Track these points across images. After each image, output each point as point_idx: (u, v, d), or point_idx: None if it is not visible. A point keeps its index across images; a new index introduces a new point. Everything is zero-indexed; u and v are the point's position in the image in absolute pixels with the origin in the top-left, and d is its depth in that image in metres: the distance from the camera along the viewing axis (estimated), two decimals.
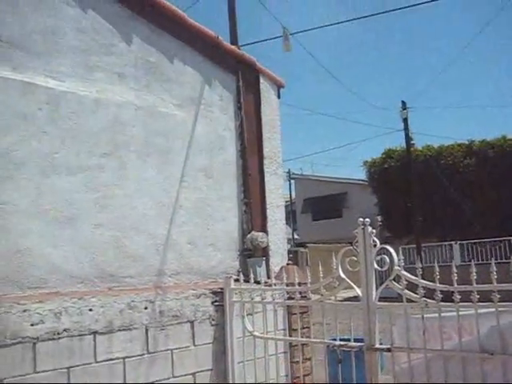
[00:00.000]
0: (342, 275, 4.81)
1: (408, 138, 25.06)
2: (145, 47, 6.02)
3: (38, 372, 4.55)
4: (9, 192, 4.77)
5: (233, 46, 7.65)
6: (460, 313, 4.22)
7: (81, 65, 5.43)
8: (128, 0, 5.86)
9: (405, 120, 25.08)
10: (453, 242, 23.68)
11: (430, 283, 4.28)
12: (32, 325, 4.56)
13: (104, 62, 5.62)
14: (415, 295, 4.35)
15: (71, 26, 5.40)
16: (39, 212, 4.94)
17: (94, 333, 4.95)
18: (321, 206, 36.02)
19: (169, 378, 5.45)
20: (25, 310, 4.55)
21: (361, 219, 4.67)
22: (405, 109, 25.09)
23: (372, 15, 11.97)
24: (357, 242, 4.69)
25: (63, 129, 5.20)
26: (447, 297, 4.22)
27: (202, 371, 5.73)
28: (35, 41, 5.12)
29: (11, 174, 4.80)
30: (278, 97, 7.61)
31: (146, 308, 5.37)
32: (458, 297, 4.17)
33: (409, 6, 11.25)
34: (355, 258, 4.69)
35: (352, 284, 4.76)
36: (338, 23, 13.37)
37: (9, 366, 4.38)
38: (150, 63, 6.05)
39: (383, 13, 11.61)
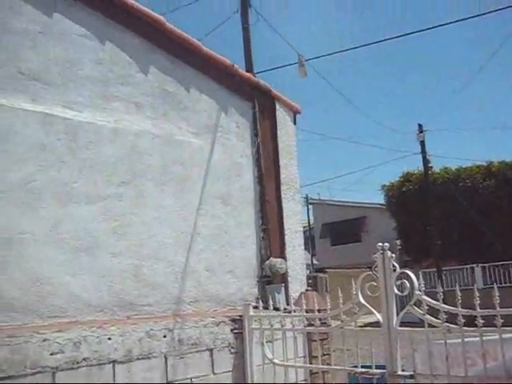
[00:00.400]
0: (362, 301, 4.76)
1: (425, 161, 24.94)
2: (161, 76, 6.10)
3: None
4: (28, 221, 4.81)
5: (248, 74, 7.73)
6: (484, 338, 4.14)
7: (99, 95, 5.51)
8: (145, 31, 5.97)
9: (422, 143, 25.00)
10: (474, 265, 23.36)
11: (452, 308, 4.22)
12: (52, 354, 4.56)
13: (121, 91, 5.70)
14: (437, 320, 4.28)
15: (89, 58, 5.50)
16: (58, 241, 4.97)
17: (113, 362, 4.93)
18: (339, 230, 35.82)
19: None
20: (44, 340, 4.55)
21: (380, 244, 4.63)
22: (421, 131, 25.03)
23: (385, 40, 12.01)
24: (376, 266, 4.65)
25: (81, 158, 5.26)
26: (470, 321, 4.15)
27: None
28: (54, 73, 5.22)
29: (30, 204, 4.84)
30: (294, 123, 7.65)
31: (164, 336, 5.35)
32: (482, 321, 4.09)
33: (422, 30, 11.28)
34: (375, 284, 4.64)
35: (372, 309, 4.71)
36: (351, 49, 13.53)
37: None
38: (167, 92, 6.12)
39: (397, 37, 11.65)
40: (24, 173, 4.85)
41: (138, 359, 5.08)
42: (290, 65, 13.61)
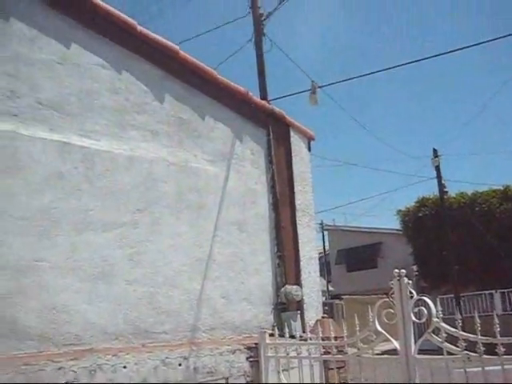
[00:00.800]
0: (379, 328, 4.70)
1: (441, 186, 24.78)
2: (177, 105, 6.17)
3: None
4: (45, 249, 4.84)
5: (262, 101, 7.79)
6: (505, 366, 4.06)
7: (115, 124, 5.58)
8: (160, 60, 6.06)
9: (437, 168, 24.87)
10: (493, 291, 23.00)
11: (471, 335, 4.14)
12: (67, 383, 4.55)
13: (137, 120, 5.77)
14: (456, 348, 4.21)
15: (106, 87, 5.58)
16: (74, 268, 4.99)
17: None
18: (355, 256, 35.56)
19: None
20: (60, 368, 4.55)
21: (396, 270, 4.59)
22: (436, 156, 24.92)
23: (401, 65, 12.04)
24: (393, 293, 4.60)
25: (98, 186, 5.31)
26: (490, 349, 4.08)
27: None
28: (71, 102, 5.30)
29: (47, 232, 4.88)
30: (309, 149, 7.67)
31: (180, 365, 5.32)
32: (502, 349, 4.01)
33: (438, 55, 11.30)
34: (392, 311, 4.59)
35: (390, 337, 4.64)
36: (366, 75, 13.52)
37: None
38: (182, 120, 6.19)
39: (412, 62, 11.68)
40: (42, 201, 4.90)
41: None
42: (304, 91, 13.67)
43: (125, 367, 4.93)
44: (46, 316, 4.73)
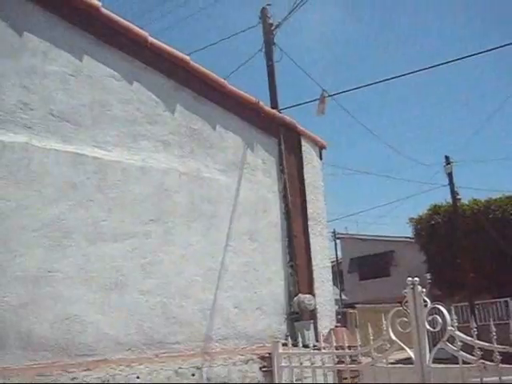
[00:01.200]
0: (393, 337, 4.67)
1: (453, 193, 24.65)
2: (188, 115, 6.19)
3: None
4: (58, 260, 4.86)
5: (273, 110, 7.80)
6: None
7: (126, 134, 5.61)
8: (170, 70, 6.09)
9: (449, 175, 24.75)
10: (508, 298, 22.77)
11: (487, 344, 4.10)
12: None
13: (149, 130, 5.80)
14: (472, 357, 4.16)
15: (117, 98, 5.62)
16: (87, 279, 5.00)
17: None
18: (368, 265, 35.38)
19: None
20: (73, 378, 4.56)
21: (410, 278, 4.56)
22: (448, 163, 24.80)
23: (411, 73, 12.02)
24: (406, 302, 4.57)
25: (110, 197, 5.33)
26: (506, 358, 4.03)
27: None
28: (83, 114, 5.34)
29: (60, 242, 4.90)
30: (320, 158, 7.67)
31: (193, 375, 5.30)
32: None
33: (451, 61, 11.27)
34: (406, 319, 4.55)
35: (404, 346, 4.61)
36: (377, 83, 13.49)
37: None
38: (194, 130, 6.21)
39: (422, 70, 11.65)
40: (55, 212, 4.93)
41: None
42: (315, 100, 13.68)
43: (138, 377, 4.93)
44: (60, 327, 4.75)
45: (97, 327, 4.96)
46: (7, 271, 4.55)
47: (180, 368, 5.23)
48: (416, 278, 4.55)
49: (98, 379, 4.68)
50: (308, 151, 7.45)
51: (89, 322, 4.92)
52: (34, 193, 4.84)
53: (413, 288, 4.53)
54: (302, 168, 7.28)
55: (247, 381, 5.66)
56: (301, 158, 7.32)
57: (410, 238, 30.75)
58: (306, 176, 7.27)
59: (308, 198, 7.19)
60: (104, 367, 4.78)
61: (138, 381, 4.91)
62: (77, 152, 5.19)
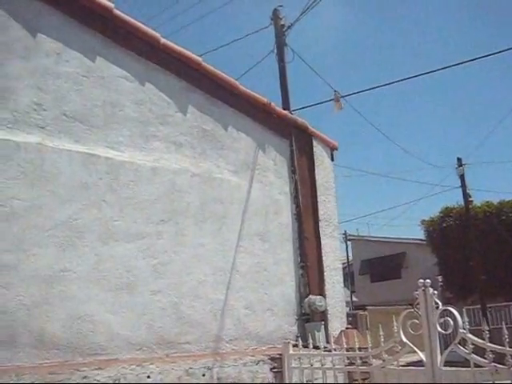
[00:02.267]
0: (404, 339, 4.65)
1: (465, 195, 24.50)
2: (200, 116, 6.21)
3: None
4: (70, 259, 4.90)
5: (285, 111, 7.79)
6: None
7: (139, 135, 5.64)
8: (182, 71, 6.11)
9: (461, 177, 24.62)
10: None
11: (499, 347, 4.07)
12: None
13: (161, 131, 5.82)
14: (484, 360, 4.14)
15: (130, 99, 5.65)
16: (99, 279, 5.03)
17: None
18: (379, 267, 35.25)
19: None
20: (84, 377, 4.59)
21: (421, 280, 4.54)
22: (461, 165, 24.67)
23: (421, 74, 12.00)
24: (418, 304, 4.55)
25: (122, 197, 5.36)
26: None
27: None
28: (96, 114, 5.37)
29: (73, 242, 4.94)
30: (332, 159, 7.65)
31: (203, 375, 5.32)
32: None
33: (463, 62, 11.23)
34: (417, 321, 4.53)
35: (415, 348, 4.57)
36: (388, 84, 13.43)
37: None
38: (205, 131, 6.22)
39: (434, 71, 11.62)
40: (68, 212, 4.97)
41: None
42: (327, 101, 13.69)
43: (148, 377, 4.95)
44: (72, 326, 4.78)
45: (108, 327, 4.99)
46: (20, 271, 4.59)
47: (191, 368, 5.25)
48: (427, 280, 4.53)
49: (109, 378, 4.71)
50: (319, 152, 7.45)
51: (100, 322, 4.95)
52: (46, 193, 4.88)
53: (424, 290, 4.51)
54: (314, 169, 7.27)
55: (258, 381, 5.66)
56: (312, 159, 7.32)
57: (421, 240, 30.60)
58: (317, 177, 7.26)
59: (319, 200, 7.18)
60: (115, 366, 4.81)
61: (149, 380, 4.93)
62: (89, 152, 5.23)
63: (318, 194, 7.19)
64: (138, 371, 4.90)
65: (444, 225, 26.56)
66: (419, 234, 30.12)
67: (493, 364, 4.09)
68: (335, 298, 6.95)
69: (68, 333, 4.74)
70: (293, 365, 5.78)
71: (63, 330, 4.72)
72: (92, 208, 5.14)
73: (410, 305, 4.64)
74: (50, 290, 4.72)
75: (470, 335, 4.24)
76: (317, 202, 7.15)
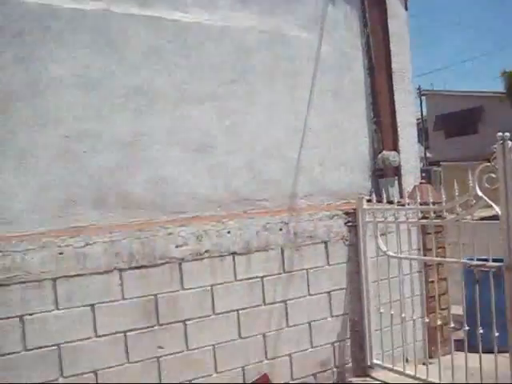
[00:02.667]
0: (480, 193, 4.60)
1: None
2: None
3: (186, 289, 4.94)
4: (147, 124, 5.02)
5: None
6: None
7: None
8: None
9: None
10: None
11: None
12: (177, 246, 4.92)
13: None
14: None
15: None
16: (175, 142, 5.17)
17: (233, 254, 5.24)
18: (454, 122, 34.28)
19: (305, 296, 5.67)
20: (170, 233, 4.90)
21: (500, 133, 4.41)
22: None
23: None
24: (495, 158, 4.45)
25: (191, 59, 5.32)
26: None
27: (336, 290, 5.89)
28: None
29: (147, 107, 5.04)
30: (406, 9, 7.20)
31: (280, 229, 5.55)
32: None
33: None
34: (493, 175, 4.46)
35: (490, 202, 4.54)
36: None
37: (160, 284, 4.81)
38: None
39: None
40: (140, 78, 5.01)
41: (257, 251, 5.36)
42: None
43: (229, 232, 5.23)
44: (154, 187, 5.02)
45: (188, 187, 5.20)
46: (102, 136, 4.78)
47: (268, 223, 5.48)
48: (507, 134, 4.40)
49: (192, 234, 5.02)
50: (392, 2, 6.99)
51: (180, 182, 5.16)
52: (115, 60, 4.90)
53: (503, 143, 4.39)
54: (386, 21, 6.86)
55: (332, 235, 5.87)
56: (385, 10, 6.88)
57: (501, 93, 29.21)
58: (390, 28, 6.85)
59: (392, 53, 6.82)
60: (197, 223, 5.09)
61: (229, 235, 5.21)
62: (155, 15, 5.13)
63: (391, 46, 6.85)
64: (219, 227, 5.17)
65: None
66: (499, 86, 28.71)
67: None
68: (409, 153, 6.88)
69: (151, 193, 5.00)
70: (367, 219, 5.92)
71: (146, 192, 4.97)
72: (163, 72, 5.16)
73: (487, 160, 4.55)
74: (129, 154, 4.91)
75: None
76: (390, 55, 6.84)
